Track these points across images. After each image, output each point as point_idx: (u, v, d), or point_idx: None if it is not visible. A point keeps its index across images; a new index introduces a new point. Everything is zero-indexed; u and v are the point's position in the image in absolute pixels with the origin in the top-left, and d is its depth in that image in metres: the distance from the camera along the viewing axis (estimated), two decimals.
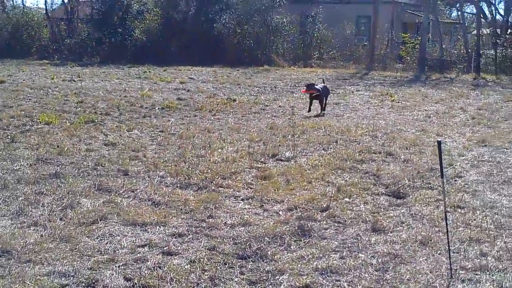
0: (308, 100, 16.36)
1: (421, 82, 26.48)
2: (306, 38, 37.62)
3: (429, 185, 8.76)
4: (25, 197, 7.73)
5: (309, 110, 15.97)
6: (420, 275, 5.61)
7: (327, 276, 5.59)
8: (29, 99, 17.18)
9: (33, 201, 7.58)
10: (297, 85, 23.45)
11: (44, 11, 42.59)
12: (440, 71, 31.24)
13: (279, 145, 11.42)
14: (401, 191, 8.42)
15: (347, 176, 9.21)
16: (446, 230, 5.88)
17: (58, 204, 7.47)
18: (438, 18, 35.66)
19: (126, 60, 33.40)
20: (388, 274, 5.64)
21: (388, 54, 35.60)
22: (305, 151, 11.03)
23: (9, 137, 11.58)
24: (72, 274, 5.48)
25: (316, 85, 16.71)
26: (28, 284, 5.16)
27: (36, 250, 5.98)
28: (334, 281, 5.49)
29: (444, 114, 16.32)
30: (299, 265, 5.81)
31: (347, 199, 8.00)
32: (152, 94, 19.00)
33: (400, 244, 6.39)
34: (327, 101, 16.69)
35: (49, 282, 5.27)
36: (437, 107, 17.82)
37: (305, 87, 16.78)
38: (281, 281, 5.46)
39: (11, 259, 5.76)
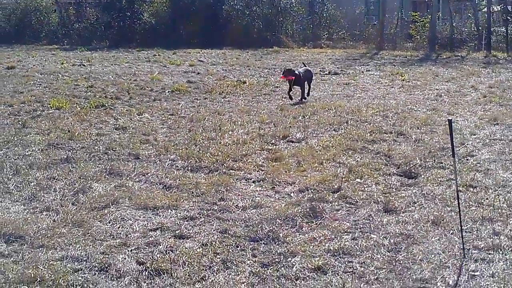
0: (288, 86, 15.12)
1: (432, 61, 26.33)
2: (315, 19, 37.44)
3: (441, 164, 8.72)
4: (37, 182, 7.76)
5: (290, 98, 14.71)
6: (433, 255, 5.59)
7: (339, 257, 5.58)
8: (39, 85, 17.21)
9: (45, 186, 7.61)
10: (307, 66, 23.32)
11: None
12: (450, 50, 31.05)
13: (290, 126, 11.40)
14: (413, 171, 8.39)
15: (358, 157, 9.18)
16: (458, 210, 5.85)
17: (70, 189, 7.49)
18: None
19: (135, 43, 33.40)
20: (401, 254, 5.63)
21: (398, 33, 35.38)
22: (315, 132, 11.01)
23: (20, 122, 11.61)
24: (84, 258, 5.49)
25: (295, 70, 15.38)
26: (41, 269, 5.17)
27: (49, 235, 6.00)
28: (346, 263, 5.48)
29: (455, 93, 16.22)
30: (311, 247, 5.80)
31: (358, 180, 7.97)
32: (161, 78, 18.99)
33: (412, 224, 6.37)
34: (310, 87, 15.52)
35: (62, 266, 5.29)
36: (448, 86, 17.71)
37: (282, 73, 15.38)
38: (293, 263, 5.46)
39: (24, 244, 5.79)
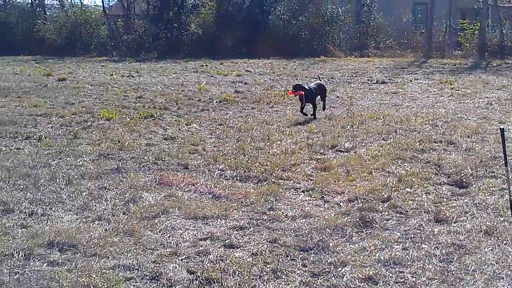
0: (299, 102, 14.03)
1: (481, 69, 25.96)
2: (362, 28, 37.26)
3: (493, 173, 8.59)
4: (89, 192, 7.88)
5: (304, 114, 13.68)
6: (486, 266, 5.51)
7: (390, 267, 5.54)
8: (90, 96, 17.47)
9: (97, 196, 7.72)
10: (354, 75, 23.26)
11: (102, 9, 43.31)
12: (500, 57, 30.56)
13: (338, 136, 11.36)
14: (464, 180, 8.27)
15: (407, 166, 9.11)
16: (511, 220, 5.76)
17: (121, 199, 7.59)
18: (497, 3, 34.90)
19: (183, 54, 33.67)
20: (453, 265, 5.56)
21: (446, 41, 35.00)
22: (364, 141, 10.95)
23: (71, 133, 11.80)
24: (136, 267, 5.56)
25: (306, 85, 14.47)
26: (94, 278, 5.25)
27: (101, 244, 6.09)
28: (397, 273, 5.44)
29: (506, 101, 15.95)
30: (361, 257, 5.77)
31: (408, 189, 7.90)
32: (209, 88, 19.11)
33: (464, 234, 6.29)
34: (325, 102, 14.71)
35: (114, 275, 5.36)
36: (499, 94, 17.43)
37: (292, 89, 14.41)
38: (344, 273, 5.44)
39: (77, 253, 5.88)
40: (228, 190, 7.96)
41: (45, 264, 5.64)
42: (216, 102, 16.19)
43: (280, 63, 28.51)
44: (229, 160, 9.50)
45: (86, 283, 5.14)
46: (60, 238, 6.14)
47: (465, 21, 35.54)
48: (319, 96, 14.46)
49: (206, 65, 27.61)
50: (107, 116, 13.59)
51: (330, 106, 15.50)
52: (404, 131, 11.80)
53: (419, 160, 9.50)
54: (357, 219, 6.70)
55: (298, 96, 13.89)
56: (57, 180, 8.38)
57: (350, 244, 6.10)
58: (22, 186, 8.12)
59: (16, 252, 5.83)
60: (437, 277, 5.32)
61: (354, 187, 8.05)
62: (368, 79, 21.75)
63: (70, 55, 34.73)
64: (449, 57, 31.35)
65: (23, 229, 6.54)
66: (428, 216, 6.88)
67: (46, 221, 6.82)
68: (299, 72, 24.44)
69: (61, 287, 5.10)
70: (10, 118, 13.38)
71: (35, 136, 11.48)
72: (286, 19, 36.29)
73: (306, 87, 13.98)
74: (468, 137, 11.08)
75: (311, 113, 13.86)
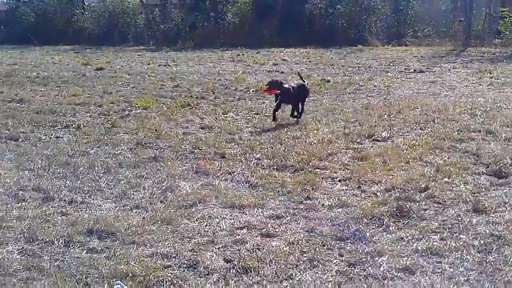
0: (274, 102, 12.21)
1: None
2: (399, 16, 36.91)
3: None
4: (127, 180, 7.97)
5: (274, 118, 11.81)
6: None
7: (428, 258, 5.51)
8: (127, 85, 17.60)
9: (134, 184, 7.80)
10: (391, 64, 23.07)
11: None
12: None
13: (375, 125, 11.29)
14: (503, 170, 8.17)
15: (445, 156, 9.03)
16: None
17: (158, 187, 7.66)
18: None
19: (219, 43, 33.69)
20: (491, 256, 5.51)
21: (486, 29, 34.51)
22: (401, 131, 10.87)
23: (109, 122, 11.92)
24: (174, 255, 5.61)
25: (286, 83, 12.45)
26: (133, 265, 5.31)
27: (139, 232, 6.15)
28: (435, 263, 5.41)
29: None
30: (398, 247, 5.75)
31: (446, 179, 7.84)
32: (246, 77, 19.11)
33: (503, 225, 6.22)
34: (303, 108, 12.34)
35: (152, 263, 5.42)
36: None
37: (266, 86, 12.44)
38: (381, 263, 5.42)
39: (116, 241, 5.95)
40: (265, 179, 7.97)
41: (84, 251, 5.72)
42: (253, 91, 16.19)
43: (316, 52, 28.36)
44: (266, 149, 9.51)
45: (124, 270, 5.20)
46: (99, 226, 6.22)
47: (505, 9, 34.99)
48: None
49: (242, 54, 27.60)
50: (145, 105, 13.68)
51: (367, 95, 15.41)
52: (442, 120, 11.68)
53: (458, 150, 9.40)
54: (394, 209, 6.66)
55: (274, 94, 12.19)
56: (96, 168, 8.48)
57: (387, 234, 6.08)
58: (61, 174, 8.23)
59: (56, 239, 5.92)
60: (476, 268, 5.28)
61: (391, 176, 8.01)
62: (405, 68, 21.56)
63: (108, 45, 34.97)
64: (489, 46, 30.87)
65: (63, 217, 6.64)
66: (467, 206, 6.82)
67: (85, 209, 6.91)
68: (336, 61, 24.31)
69: (100, 274, 5.16)
70: (50, 107, 13.55)
71: (74, 125, 11.61)
72: (323, 7, 36.11)
73: (286, 85, 12.09)
74: (508, 126, 10.93)
75: (293, 114, 11.99)
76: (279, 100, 11.87)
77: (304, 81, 13.09)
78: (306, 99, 12.57)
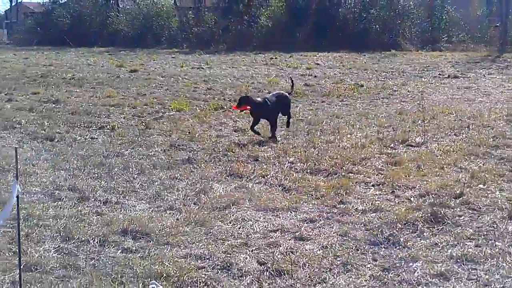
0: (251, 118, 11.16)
1: None
2: (434, 21, 36.68)
3: None
4: (161, 181, 8.02)
5: (256, 133, 10.83)
6: None
7: (463, 264, 5.46)
8: (161, 87, 17.73)
9: (168, 185, 7.85)
10: (425, 69, 22.94)
11: (173, 1, 43.79)
12: None
13: (409, 130, 11.22)
14: None
15: (480, 162, 8.94)
16: None
17: (192, 189, 7.69)
18: None
19: (252, 46, 33.79)
20: None
21: None
22: (435, 136, 10.80)
23: (143, 123, 12.01)
24: (207, 257, 5.62)
25: (258, 97, 11.79)
26: (167, 265, 5.34)
27: (173, 233, 6.18)
28: (469, 270, 5.35)
29: None
30: (432, 253, 5.71)
31: (481, 186, 7.76)
32: (278, 80, 19.13)
33: None
34: (290, 117, 11.42)
35: (186, 264, 5.44)
36: None
37: (237, 103, 11.23)
38: (415, 269, 5.39)
39: (150, 241, 5.99)
40: (298, 182, 7.97)
41: (119, 251, 5.77)
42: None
43: (349, 57, 28.32)
44: (299, 153, 9.51)
45: (159, 270, 5.23)
46: (133, 226, 6.27)
47: None
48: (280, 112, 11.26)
49: (275, 58, 27.64)
50: (178, 107, 13.76)
51: (401, 100, 15.33)
52: (477, 126, 11.59)
53: (493, 156, 9.32)
54: (429, 215, 6.61)
55: (244, 111, 11.29)
56: (130, 169, 8.56)
57: (421, 240, 6.03)
58: (96, 175, 8.31)
59: (92, 239, 5.98)
60: None
61: (425, 182, 7.96)
62: (439, 74, 21.43)
63: (141, 47, 35.26)
64: None
65: (98, 216, 6.70)
66: (502, 213, 6.75)
67: (119, 209, 6.97)
68: (369, 66, 24.24)
69: (135, 274, 5.20)
70: (85, 108, 13.70)
71: (108, 126, 11.72)
72: (357, 12, 36.10)
73: (258, 99, 11.17)
74: None
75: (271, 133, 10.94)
76: (253, 116, 10.93)
77: (291, 90, 12.25)
78: (289, 109, 11.45)
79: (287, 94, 11.61)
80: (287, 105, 11.36)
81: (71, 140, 10.54)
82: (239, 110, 11.21)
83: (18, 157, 4.63)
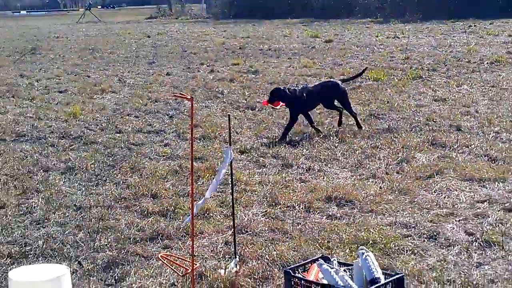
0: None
1: None
2: None
3: None
4: (362, 150, 8.05)
5: (313, 127, 9.11)
6: None
7: None
8: (356, 57, 17.68)
9: (370, 154, 7.86)
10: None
11: None
12: None
13: None
14: None
15: None
16: None
17: (394, 158, 7.65)
18: None
19: (449, 14, 32.66)
20: None
21: None
22: None
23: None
24: (413, 225, 5.58)
25: (292, 87, 9.34)
26: (373, 233, 5.36)
27: (376, 201, 6.20)
28: None
29: None
30: None
31: None
32: (479, 49, 18.35)
33: None
34: (351, 110, 9.35)
35: (391, 231, 5.43)
36: None
37: (268, 98, 9.24)
38: None
39: (354, 209, 6.05)
40: (505, 153, 7.65)
41: (324, 217, 5.88)
42: (487, 63, 15.52)
43: None
44: (505, 123, 9.13)
45: (365, 237, 5.26)
46: (337, 194, 6.35)
47: None
48: (337, 103, 9.46)
49: (474, 25, 26.53)
50: (375, 77, 13.66)
51: None
52: None
53: None
54: None
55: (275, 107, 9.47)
56: (330, 138, 8.64)
57: None
58: (297, 143, 8.49)
59: (297, 204, 6.14)
60: None
61: None
62: None
63: (335, 18, 35.28)
64: None
65: (301, 183, 6.87)
66: None
67: (322, 177, 7.09)
68: None
69: (341, 240, 5.26)
70: (282, 78, 13.99)
71: None
72: None
73: (297, 89, 9.13)
74: None
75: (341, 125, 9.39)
76: (291, 113, 9.07)
77: (351, 78, 10.66)
78: (347, 99, 9.42)
79: (338, 82, 9.68)
80: (342, 95, 9.35)
81: (269, 109, 10.80)
82: (269, 105, 9.28)
83: (228, 124, 4.82)
